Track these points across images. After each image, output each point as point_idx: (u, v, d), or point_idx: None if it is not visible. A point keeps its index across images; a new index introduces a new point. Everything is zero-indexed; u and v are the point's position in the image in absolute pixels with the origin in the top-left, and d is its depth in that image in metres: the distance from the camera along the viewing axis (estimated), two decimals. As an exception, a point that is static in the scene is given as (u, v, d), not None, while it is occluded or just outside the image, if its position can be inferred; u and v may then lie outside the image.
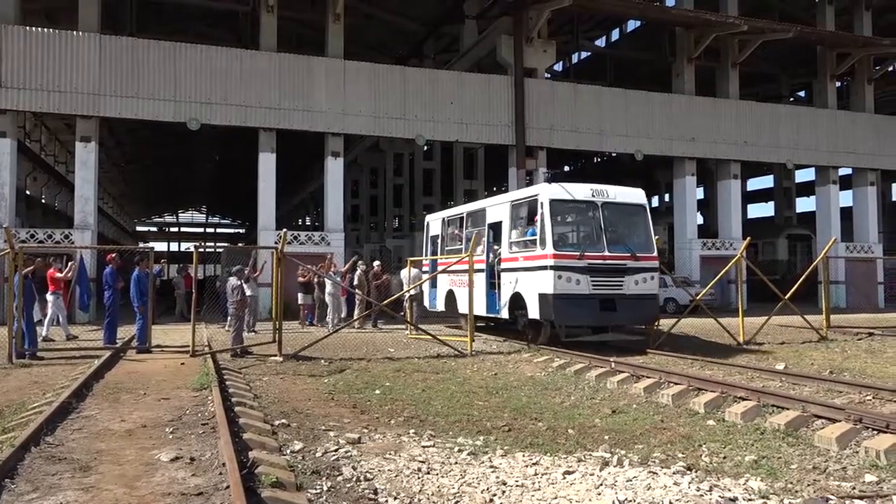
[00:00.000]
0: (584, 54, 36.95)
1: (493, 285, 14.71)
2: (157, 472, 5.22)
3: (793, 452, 6.00)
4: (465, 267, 13.58)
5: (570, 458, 5.82)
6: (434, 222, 18.71)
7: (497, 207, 14.96)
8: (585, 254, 12.47)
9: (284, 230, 14.87)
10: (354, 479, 5.16)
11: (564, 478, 5.26)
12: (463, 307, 15.03)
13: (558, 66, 36.63)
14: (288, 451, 5.85)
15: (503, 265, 14.15)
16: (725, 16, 26.05)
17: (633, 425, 7.07)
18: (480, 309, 14.42)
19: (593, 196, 13.05)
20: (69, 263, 14.78)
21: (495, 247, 14.91)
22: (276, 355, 11.95)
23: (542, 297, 12.51)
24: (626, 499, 4.76)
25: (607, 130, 25.80)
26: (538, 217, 12.74)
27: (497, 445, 6.21)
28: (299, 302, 18.50)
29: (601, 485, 5.08)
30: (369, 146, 36.57)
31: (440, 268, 16.84)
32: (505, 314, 14.15)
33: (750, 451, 6.03)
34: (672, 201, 31.19)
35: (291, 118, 22.29)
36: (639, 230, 13.37)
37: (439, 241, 17.80)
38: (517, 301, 13.55)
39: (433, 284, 17.50)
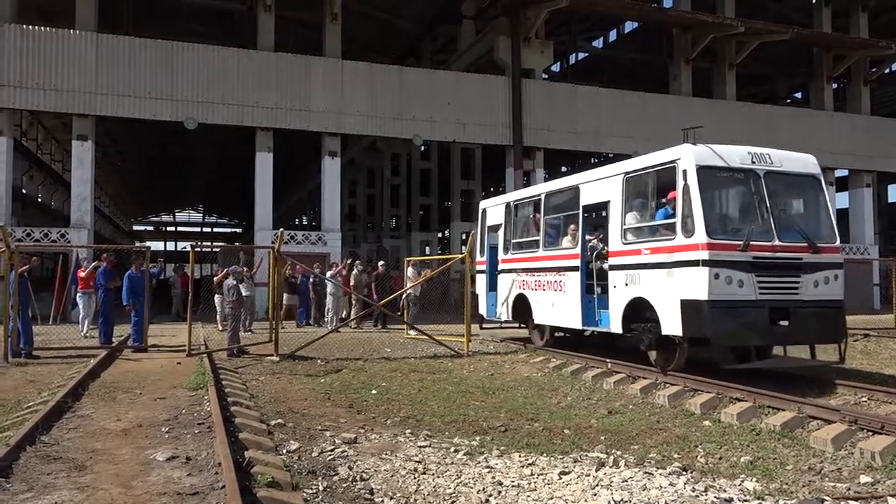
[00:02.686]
0: (581, 55, 37.01)
1: (590, 288, 11.22)
2: (152, 471, 5.21)
3: (788, 453, 6.02)
4: (553, 264, 12.00)
5: (566, 458, 5.82)
6: (493, 209, 15.16)
7: (599, 184, 11.09)
8: (751, 243, 8.71)
9: (281, 230, 14.87)
10: (350, 479, 5.15)
11: (560, 478, 5.26)
12: (545, 316, 12.52)
13: (556, 67, 36.68)
14: (284, 451, 5.84)
15: (614, 261, 10.36)
16: (722, 17, 26.11)
17: (629, 426, 7.08)
18: (569, 319, 11.68)
19: (753, 163, 9.23)
20: (93, 264, 14.71)
21: (590, 237, 11.59)
22: (272, 355, 11.93)
23: (689, 304, 8.68)
24: (621, 499, 4.76)
25: (604, 131, 25.85)
26: (678, 192, 9.02)
27: (493, 446, 6.21)
28: (284, 302, 18.46)
29: (597, 485, 5.08)
30: (366, 146, 36.54)
31: (505, 265, 14.08)
32: (615, 327, 10.35)
33: (745, 451, 6.04)
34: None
35: (288, 118, 22.29)
36: (814, 210, 9.81)
37: (502, 231, 14.37)
38: (638, 310, 9.81)
39: (491, 287, 14.78)
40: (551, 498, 4.82)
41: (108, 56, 20.69)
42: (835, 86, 30.11)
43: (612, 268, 10.44)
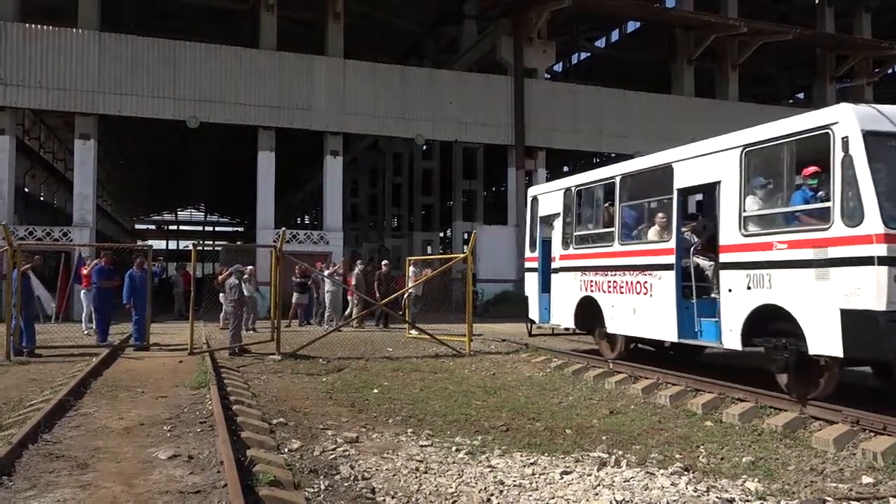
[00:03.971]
0: (583, 55, 37.00)
1: (687, 291, 8.97)
2: (154, 469, 5.21)
3: (790, 454, 6.01)
4: (634, 261, 9.86)
5: (567, 458, 5.82)
6: (547, 197, 12.85)
7: (702, 161, 8.84)
8: None
9: (283, 229, 14.87)
10: (352, 477, 5.15)
11: (562, 478, 5.26)
12: (622, 325, 10.31)
13: (558, 67, 36.68)
14: (286, 450, 5.85)
15: (729, 257, 8.20)
16: (725, 17, 26.09)
17: (630, 426, 7.08)
18: (657, 329, 9.44)
19: None
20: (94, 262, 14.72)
21: (685, 228, 9.41)
22: (274, 354, 11.94)
23: (855, 316, 6.54)
24: (623, 499, 4.75)
25: (606, 131, 25.85)
26: (835, 166, 6.84)
27: (495, 445, 6.21)
28: (295, 301, 18.48)
29: (599, 485, 5.07)
30: (369, 145, 36.59)
31: (565, 263, 11.84)
32: (729, 341, 8.18)
33: (747, 452, 6.04)
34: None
35: (291, 117, 22.32)
36: None
37: (559, 223, 12.18)
38: (765, 320, 7.69)
39: (545, 288, 12.69)
40: (553, 497, 4.82)
41: (110, 55, 20.73)
42: (838, 86, 30.05)
43: (727, 266, 8.23)
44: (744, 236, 7.98)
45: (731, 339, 8.12)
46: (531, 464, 5.63)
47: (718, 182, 8.50)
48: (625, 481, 5.16)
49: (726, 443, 6.38)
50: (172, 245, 78.72)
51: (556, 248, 12.29)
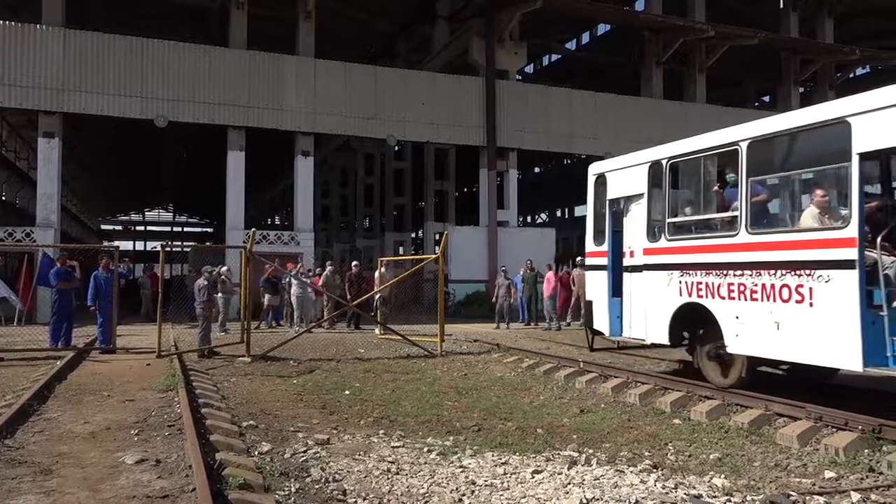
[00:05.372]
0: (554, 57, 37.27)
1: (870, 300, 6.51)
2: (121, 474, 5.13)
3: (756, 450, 6.12)
4: (776, 256, 7.33)
5: (538, 457, 5.86)
6: (621, 175, 10.14)
7: None
8: None
9: (253, 229, 14.73)
10: (323, 480, 5.13)
11: (533, 477, 5.29)
12: (753, 342, 7.64)
13: (529, 69, 36.89)
14: (256, 453, 5.79)
15: None
16: (693, 21, 26.48)
17: (600, 424, 7.15)
18: (819, 350, 6.89)
19: None
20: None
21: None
22: (244, 356, 11.82)
23: None
24: (593, 497, 4.80)
25: (577, 132, 26.06)
26: None
27: (466, 445, 6.22)
28: (266, 303, 18.32)
29: (569, 483, 5.12)
30: (340, 146, 36.40)
31: (652, 259, 9.20)
32: None
33: (715, 449, 6.13)
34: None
35: (261, 116, 22.11)
36: None
37: (642, 207, 9.52)
38: None
39: (617, 291, 10.02)
40: (524, 496, 4.85)
41: (76, 52, 20.32)
42: (802, 90, 30.69)
43: None
44: None
45: None
46: (502, 463, 5.66)
47: None
48: (595, 479, 5.21)
49: (694, 440, 6.48)
50: (140, 246, 77.43)
51: (636, 241, 9.59)
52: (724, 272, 8.01)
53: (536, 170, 51.42)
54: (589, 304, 10.76)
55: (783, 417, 6.86)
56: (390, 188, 38.19)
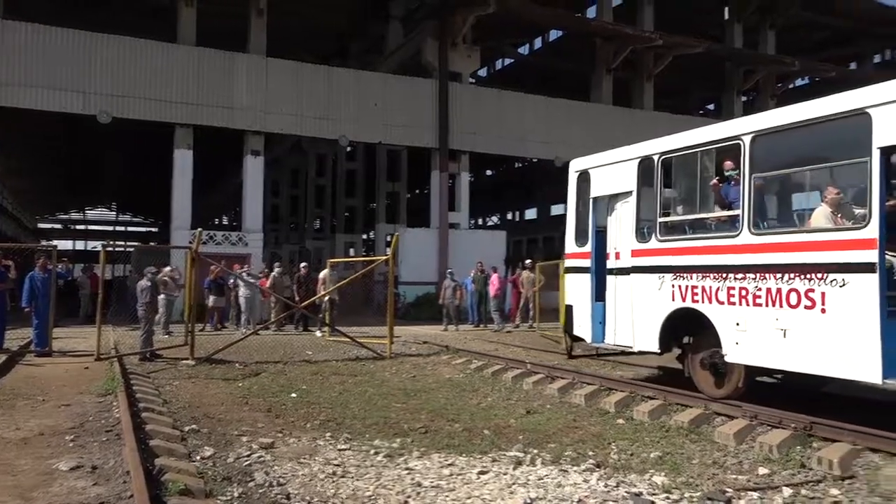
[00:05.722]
0: (507, 61, 37.60)
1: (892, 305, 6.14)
2: (55, 481, 4.96)
3: (695, 448, 6.29)
4: (782, 258, 6.85)
5: (484, 458, 5.90)
6: (607, 171, 9.63)
7: None
8: None
9: (199, 229, 14.41)
10: (267, 484, 5.06)
11: (479, 477, 5.33)
12: (755, 350, 7.17)
13: (483, 72, 37.11)
14: (198, 458, 5.68)
15: None
16: (642, 30, 27.05)
17: (546, 425, 7.23)
18: (831, 361, 6.41)
19: None
20: None
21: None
22: (188, 359, 11.56)
23: None
24: (537, 496, 4.86)
25: (529, 136, 26.33)
26: None
27: (414, 447, 6.22)
28: (210, 304, 17.95)
29: (514, 483, 5.17)
30: (291, 146, 35.96)
31: (642, 261, 8.66)
32: None
33: (656, 447, 6.28)
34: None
35: (210, 115, 21.67)
36: None
37: (630, 206, 9.03)
38: None
39: (600, 295, 9.53)
40: (469, 497, 4.87)
41: (13, 44, 19.54)
42: (744, 99, 31.66)
43: None
44: None
45: None
46: (449, 465, 5.68)
47: None
48: (539, 479, 5.27)
49: (636, 439, 6.61)
50: (80, 245, 74.97)
51: (624, 241, 9.06)
52: (724, 275, 7.46)
53: (489, 172, 51.70)
54: (569, 308, 10.14)
55: (721, 416, 7.07)
56: (342, 189, 37.89)
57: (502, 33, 30.16)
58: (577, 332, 9.99)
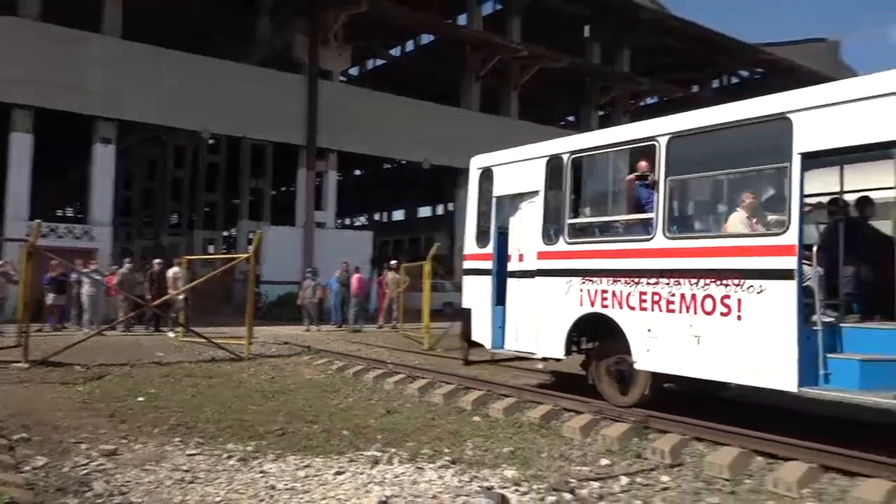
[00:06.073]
0: (379, 62, 37.61)
1: (808, 313, 6.01)
2: None
3: (544, 443, 6.61)
4: (697, 264, 6.70)
5: (342, 458, 5.88)
6: (511, 169, 9.14)
7: (861, 109, 5.74)
8: None
9: (38, 221, 13.26)
10: (107, 493, 4.76)
11: (335, 478, 5.31)
12: (666, 358, 7.00)
13: (354, 71, 36.87)
14: (28, 468, 5.24)
15: None
16: (510, 40, 28.03)
17: (405, 424, 7.32)
18: (742, 368, 6.36)
19: None
20: None
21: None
22: (20, 361, 10.59)
23: None
24: (392, 494, 4.92)
25: (398, 138, 26.48)
26: None
27: (269, 450, 6.09)
28: (50, 302, 16.58)
29: (370, 482, 5.20)
30: (148, 135, 33.92)
31: (549, 264, 8.29)
32: None
33: (508, 443, 6.53)
34: (455, 210, 32.73)
35: (55, 97, 19.97)
36: None
37: (537, 206, 8.57)
38: None
39: (502, 298, 9.12)
40: (324, 498, 4.85)
41: None
42: (602, 113, 33.66)
43: None
44: None
45: None
46: (305, 466, 5.61)
47: None
48: (395, 477, 5.33)
49: (491, 435, 6.85)
50: None
51: (529, 243, 8.67)
52: (636, 280, 7.21)
53: (357, 172, 51.44)
54: (467, 312, 9.52)
55: (570, 412, 7.48)
56: (202, 183, 36.28)
57: (374, 34, 30.15)
58: (475, 337, 9.37)
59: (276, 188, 37.10)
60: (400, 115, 26.55)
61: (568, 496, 5.01)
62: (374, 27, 29.28)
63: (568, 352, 8.13)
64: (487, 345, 9.25)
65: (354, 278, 19.11)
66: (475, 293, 9.48)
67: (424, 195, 45.07)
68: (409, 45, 37.44)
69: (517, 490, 5.10)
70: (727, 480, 5.45)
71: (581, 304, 7.83)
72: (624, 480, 5.40)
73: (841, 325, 6.07)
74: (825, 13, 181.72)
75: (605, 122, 32.45)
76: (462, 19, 31.74)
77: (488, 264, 9.26)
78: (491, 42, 27.32)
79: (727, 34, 31.41)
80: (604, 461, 5.98)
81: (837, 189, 7.25)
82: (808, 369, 5.84)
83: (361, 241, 26.34)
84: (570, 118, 41.66)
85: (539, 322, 8.35)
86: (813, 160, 6.14)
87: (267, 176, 32.74)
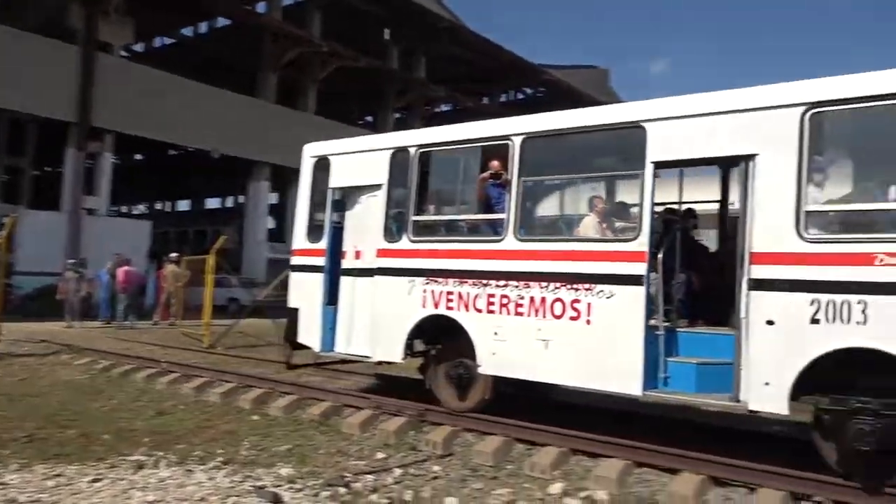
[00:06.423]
0: (168, 40, 35.06)
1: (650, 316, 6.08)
2: None
3: (323, 439, 6.64)
4: (546, 267, 6.59)
5: (100, 464, 5.45)
6: (352, 160, 8.53)
7: (710, 123, 5.93)
8: None
9: None
10: None
11: (91, 486, 4.92)
12: (506, 363, 6.84)
13: (140, 47, 34.00)
14: None
15: (765, 270, 5.48)
16: (310, 34, 27.64)
17: (177, 426, 6.94)
18: (596, 375, 6.31)
19: None
20: None
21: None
22: None
23: None
24: (155, 499, 4.67)
25: (186, 123, 24.92)
26: None
27: (12, 460, 5.46)
28: None
29: (131, 488, 4.88)
30: None
31: (389, 262, 7.77)
32: (760, 399, 5.43)
33: (286, 441, 6.46)
34: (246, 203, 31.54)
35: None
36: None
37: (382, 200, 7.95)
38: (832, 371, 5.18)
39: (333, 298, 8.40)
40: (76, 508, 4.46)
41: None
42: (398, 115, 34.43)
43: (760, 285, 5.47)
44: (805, 240, 5.28)
45: (766, 398, 5.35)
46: (56, 475, 5.13)
47: (752, 156, 5.61)
48: (160, 481, 5.06)
49: (269, 434, 6.73)
50: None
51: (368, 240, 8.11)
52: (484, 282, 6.98)
53: (138, 157, 47.45)
54: (293, 312, 8.70)
55: (351, 408, 7.58)
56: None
57: (163, 9, 28.08)
58: (302, 339, 8.55)
59: (39, 168, 33.02)
60: (189, 99, 24.99)
61: (342, 490, 5.09)
62: (163, 2, 27.32)
63: (406, 355, 7.66)
64: (316, 347, 8.47)
65: (120, 271, 17.58)
66: (304, 291, 8.66)
67: (214, 186, 42.84)
68: (204, 27, 35.37)
69: (291, 487, 5.08)
70: (491, 467, 5.88)
71: (424, 306, 7.41)
72: (397, 472, 5.61)
73: (678, 329, 6.28)
74: (594, 43, 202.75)
75: (400, 125, 33.26)
76: (262, 7, 30.69)
77: (320, 261, 8.52)
78: (290, 34, 26.76)
79: (517, 53, 33.76)
80: (380, 454, 6.15)
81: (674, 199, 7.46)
82: (651, 373, 5.98)
83: (138, 230, 24.36)
84: (369, 118, 42.10)
85: (376, 324, 7.79)
86: (664, 169, 6.32)
87: (28, 154, 29.01)
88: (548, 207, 7.87)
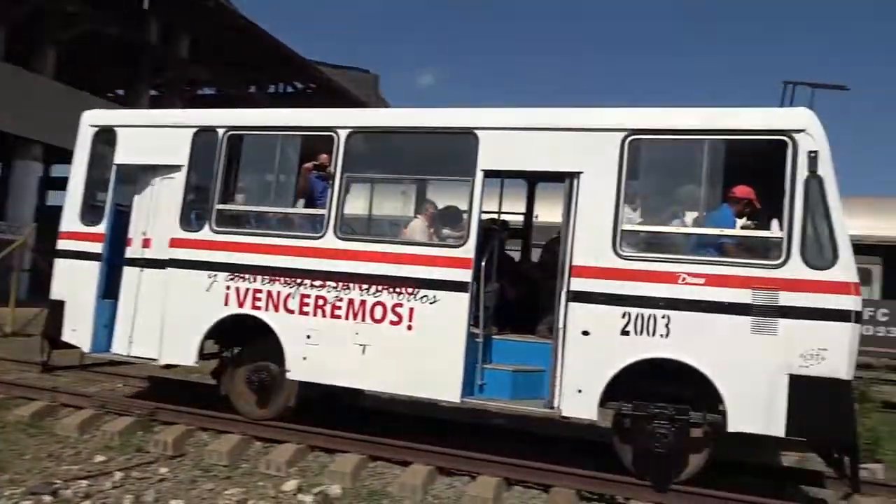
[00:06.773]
0: None
1: (475, 325, 6.21)
2: None
3: (32, 443, 6.00)
4: (372, 269, 6.31)
5: None
6: (145, 134, 7.57)
7: (539, 138, 6.16)
8: None
9: None
10: None
11: None
12: (319, 368, 6.46)
13: None
14: None
15: (589, 284, 5.75)
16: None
17: None
18: (416, 382, 6.23)
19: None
20: None
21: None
22: None
23: (815, 386, 5.30)
24: None
25: None
26: (792, 185, 5.52)
27: None
28: None
29: None
30: None
31: (183, 253, 6.98)
32: (577, 407, 5.76)
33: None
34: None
35: None
36: None
37: (182, 183, 7.15)
38: (628, 377, 5.65)
39: (109, 292, 7.38)
40: None
41: None
42: (155, 92, 31.79)
43: (578, 297, 5.72)
44: (619, 256, 5.65)
45: (579, 405, 5.65)
46: None
47: (578, 173, 5.88)
48: None
49: (-36, 440, 5.88)
50: None
51: (160, 226, 7.23)
52: (299, 281, 6.54)
53: None
54: (57, 305, 7.48)
55: (70, 407, 6.89)
56: None
57: None
58: (67, 337, 7.44)
59: None
60: None
61: (48, 499, 4.63)
62: None
63: (201, 358, 7.05)
64: (86, 347, 7.40)
65: None
66: (73, 282, 7.50)
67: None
68: None
69: (-16, 498, 4.50)
70: (225, 466, 5.73)
71: (227, 304, 6.78)
72: (118, 476, 5.26)
73: (494, 337, 6.41)
74: (363, 48, 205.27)
75: (156, 103, 30.80)
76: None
77: (97, 247, 7.44)
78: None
79: (290, 46, 32.96)
80: (99, 458, 5.71)
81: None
82: (469, 380, 6.06)
83: None
84: (120, 91, 38.38)
85: (166, 322, 7.00)
86: (494, 178, 6.51)
87: None
88: (374, 207, 7.66)
